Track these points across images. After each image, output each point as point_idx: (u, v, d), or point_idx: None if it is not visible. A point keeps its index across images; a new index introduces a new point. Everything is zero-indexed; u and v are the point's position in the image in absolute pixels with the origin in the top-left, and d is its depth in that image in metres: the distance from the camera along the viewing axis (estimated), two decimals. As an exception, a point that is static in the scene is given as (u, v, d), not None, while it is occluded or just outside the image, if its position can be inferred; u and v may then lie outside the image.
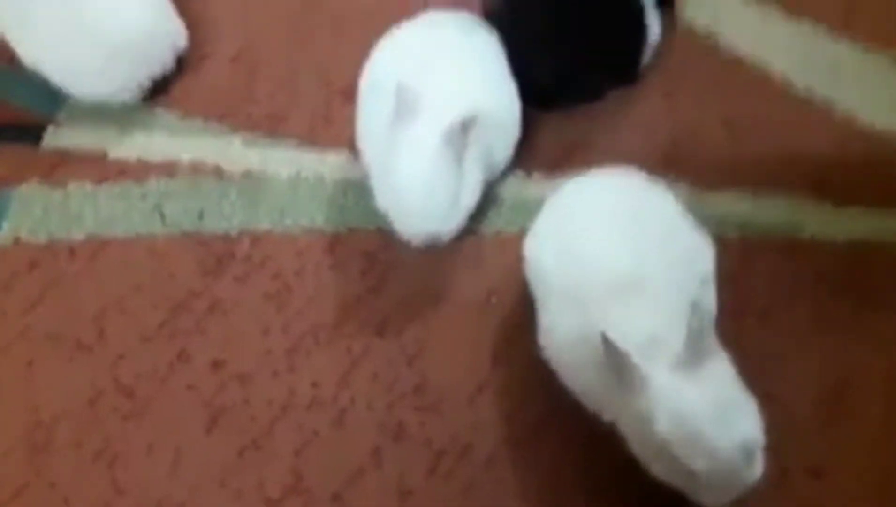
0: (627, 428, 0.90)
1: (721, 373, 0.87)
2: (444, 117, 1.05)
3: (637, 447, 0.89)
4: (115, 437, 1.07)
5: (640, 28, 1.22)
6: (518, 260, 1.09)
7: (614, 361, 0.85)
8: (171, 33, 1.33)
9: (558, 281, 0.97)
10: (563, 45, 1.19)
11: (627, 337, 0.85)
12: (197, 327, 1.14)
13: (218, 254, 1.19)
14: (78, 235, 1.22)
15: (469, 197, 1.12)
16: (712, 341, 0.88)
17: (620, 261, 0.93)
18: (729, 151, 1.20)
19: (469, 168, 1.10)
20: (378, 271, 1.16)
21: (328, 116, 1.30)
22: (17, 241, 1.23)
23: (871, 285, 1.10)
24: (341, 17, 1.40)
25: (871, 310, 1.08)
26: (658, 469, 0.88)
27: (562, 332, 0.96)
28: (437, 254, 1.15)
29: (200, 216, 1.22)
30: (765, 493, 0.88)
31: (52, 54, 1.26)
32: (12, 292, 1.19)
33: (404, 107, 1.06)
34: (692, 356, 0.84)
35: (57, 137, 1.32)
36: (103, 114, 1.33)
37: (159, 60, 1.31)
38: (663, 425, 0.83)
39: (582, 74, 1.22)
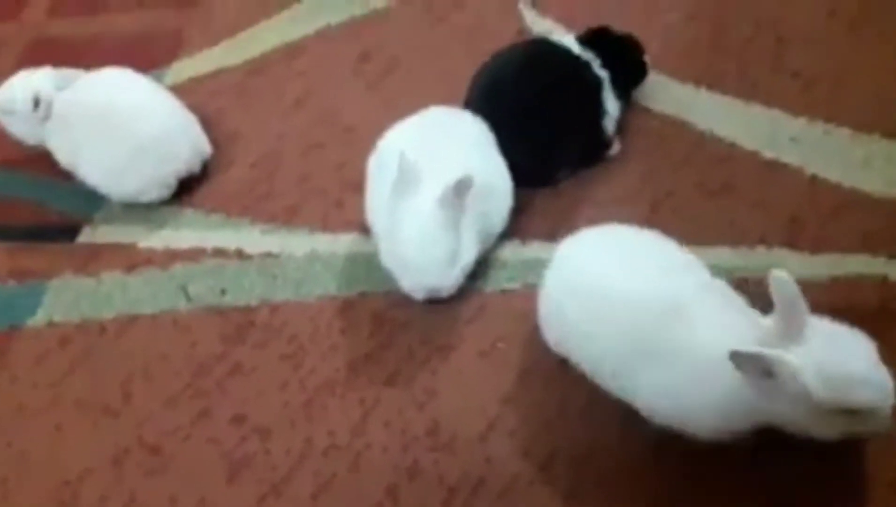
0: (788, 417, 0.95)
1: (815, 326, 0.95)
2: (440, 184, 1.18)
3: (800, 426, 0.95)
4: (140, 491, 1.11)
5: (597, 104, 1.38)
6: (521, 311, 1.17)
7: (753, 368, 0.91)
8: (193, 137, 1.49)
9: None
10: (533, 129, 1.35)
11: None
12: (218, 387, 1.20)
13: (238, 323, 1.28)
14: (108, 314, 1.31)
15: (466, 256, 1.22)
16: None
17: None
18: (703, 210, 1.30)
19: (466, 231, 1.22)
20: (387, 329, 1.23)
21: (340, 205, 1.43)
22: (50, 323, 1.32)
23: (856, 316, 1.17)
24: (351, 127, 1.56)
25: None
26: (826, 432, 0.94)
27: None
28: (444, 310, 1.24)
29: (223, 293, 1.32)
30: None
31: (86, 154, 1.42)
32: (43, 365, 1.27)
33: (405, 177, 1.19)
34: (790, 329, 0.92)
35: (91, 235, 1.45)
36: (134, 214, 1.47)
37: (184, 161, 1.46)
38: (820, 390, 0.89)
39: (555, 152, 1.37)
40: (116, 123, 1.41)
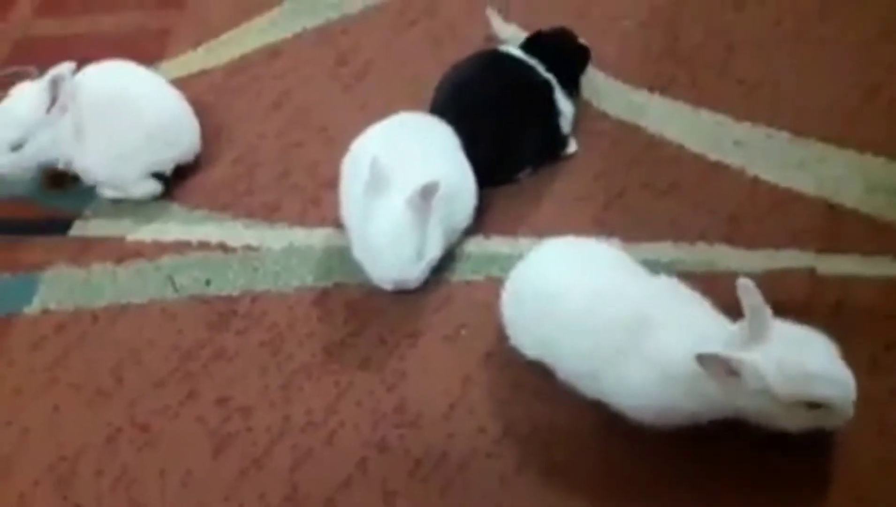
0: (753, 411, 1.05)
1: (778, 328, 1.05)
2: (409, 187, 1.28)
3: (765, 419, 1.05)
4: (132, 465, 1.21)
5: (550, 104, 1.50)
6: (483, 301, 1.28)
7: (717, 368, 1.01)
8: (192, 127, 1.60)
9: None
10: (492, 129, 1.46)
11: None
12: (203, 370, 1.30)
13: (221, 312, 1.38)
14: (100, 303, 1.41)
15: (432, 252, 1.33)
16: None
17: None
18: (651, 208, 1.41)
19: (432, 229, 1.33)
20: (359, 317, 1.34)
21: (316, 202, 1.53)
22: (45, 311, 1.42)
23: (786, 307, 1.29)
24: (325, 127, 1.66)
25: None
26: (791, 424, 1.04)
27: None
28: (413, 300, 1.34)
29: (207, 283, 1.42)
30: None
31: (91, 140, 1.51)
32: (40, 351, 1.37)
33: (376, 179, 1.29)
34: (756, 332, 1.02)
35: (82, 229, 1.54)
36: (123, 209, 1.56)
37: (182, 150, 1.57)
38: (781, 386, 0.99)
39: (513, 151, 1.48)
40: (126, 109, 1.50)
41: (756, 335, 1.03)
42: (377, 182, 1.29)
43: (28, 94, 1.51)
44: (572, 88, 1.57)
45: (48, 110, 1.49)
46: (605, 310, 1.12)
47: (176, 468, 1.20)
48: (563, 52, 1.57)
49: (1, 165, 1.50)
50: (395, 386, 1.25)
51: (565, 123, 1.52)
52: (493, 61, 1.55)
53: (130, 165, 1.52)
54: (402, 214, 1.28)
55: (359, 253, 1.34)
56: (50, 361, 1.35)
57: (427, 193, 1.28)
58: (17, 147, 1.49)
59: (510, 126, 1.47)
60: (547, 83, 1.51)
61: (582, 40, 1.60)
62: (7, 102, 1.53)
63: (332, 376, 1.28)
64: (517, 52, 1.55)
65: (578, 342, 1.13)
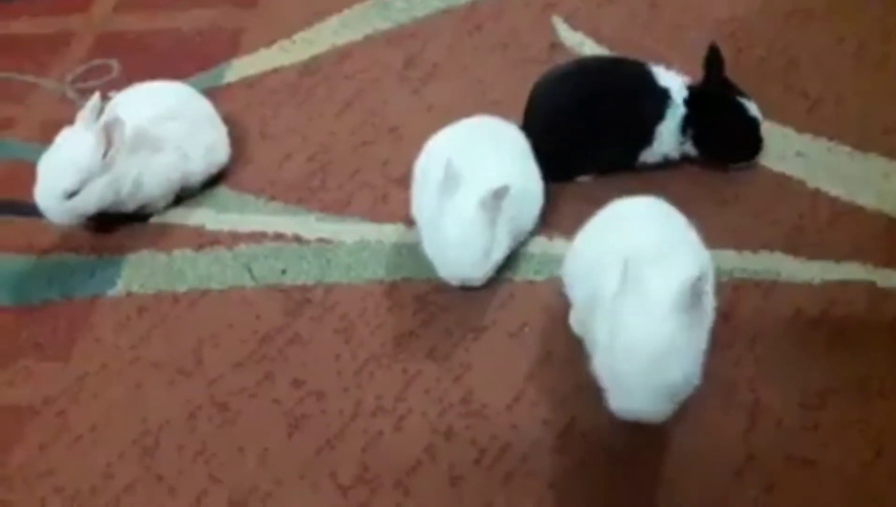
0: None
1: None
2: (481, 189, 1.34)
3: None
4: (212, 441, 1.28)
5: (646, 136, 1.51)
6: (546, 301, 1.33)
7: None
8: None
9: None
10: (569, 126, 1.52)
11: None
12: (280, 354, 1.37)
13: (297, 300, 1.44)
14: (181, 287, 1.48)
15: (498, 252, 1.39)
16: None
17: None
18: (712, 217, 1.44)
19: (500, 230, 1.38)
20: (428, 310, 1.40)
21: (386, 198, 1.59)
22: (129, 294, 1.49)
23: (845, 319, 1.32)
24: (396, 126, 1.72)
25: (842, 339, 1.30)
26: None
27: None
28: (478, 296, 1.40)
29: (283, 272, 1.48)
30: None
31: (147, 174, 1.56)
32: (124, 331, 1.44)
33: (450, 179, 1.35)
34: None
35: (162, 217, 1.61)
36: (201, 199, 1.63)
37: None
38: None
39: (583, 154, 1.54)
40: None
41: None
42: (451, 182, 1.35)
43: (82, 139, 1.47)
44: (700, 145, 1.52)
45: (104, 155, 1.46)
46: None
47: (253, 445, 1.27)
48: (725, 124, 1.50)
49: (58, 214, 1.47)
50: (460, 377, 1.31)
51: (652, 157, 1.53)
52: (615, 65, 1.59)
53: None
54: (474, 215, 1.34)
55: (429, 249, 1.39)
56: (134, 340, 1.42)
57: (498, 196, 1.33)
58: (72, 195, 1.45)
59: (588, 130, 1.51)
60: (659, 112, 1.50)
61: (760, 140, 1.51)
62: (59, 147, 1.48)
63: (400, 364, 1.33)
64: (662, 74, 1.52)
65: None
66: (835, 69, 1.68)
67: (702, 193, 1.49)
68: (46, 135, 1.63)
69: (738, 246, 1.41)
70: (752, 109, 1.50)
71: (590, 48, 1.79)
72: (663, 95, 1.50)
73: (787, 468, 1.16)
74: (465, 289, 1.40)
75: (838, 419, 1.20)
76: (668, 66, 1.55)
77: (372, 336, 1.37)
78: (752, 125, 1.50)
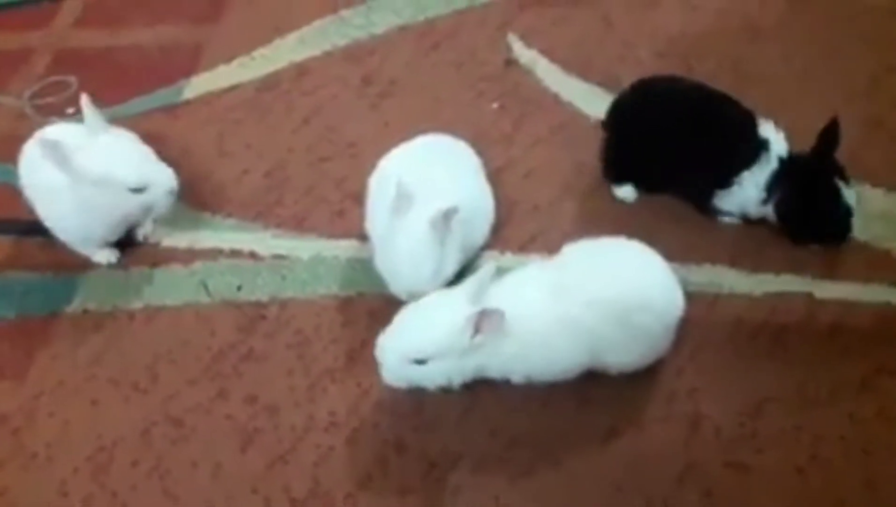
0: None
1: None
2: (431, 209, 1.37)
3: None
4: (166, 457, 1.30)
5: (727, 177, 1.44)
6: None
7: None
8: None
9: None
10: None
11: None
12: (234, 371, 1.39)
13: (251, 316, 1.46)
14: (137, 304, 1.50)
15: (448, 268, 1.42)
16: None
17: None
18: (666, 234, 1.48)
19: (450, 248, 1.41)
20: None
21: (342, 214, 1.61)
22: (85, 311, 1.51)
23: (784, 328, 1.36)
24: (353, 142, 1.75)
25: (780, 348, 1.34)
26: None
27: None
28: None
29: (238, 288, 1.50)
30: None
31: None
32: (81, 348, 1.45)
33: (402, 198, 1.38)
34: None
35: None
36: (157, 218, 1.64)
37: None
38: None
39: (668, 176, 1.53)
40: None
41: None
42: (402, 202, 1.37)
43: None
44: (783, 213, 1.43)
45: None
46: None
47: (206, 460, 1.29)
48: (818, 206, 1.40)
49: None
50: (413, 390, 1.33)
51: (726, 204, 1.47)
52: (729, 105, 1.49)
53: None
54: (424, 234, 1.37)
55: (381, 265, 1.42)
56: (90, 357, 1.44)
57: (448, 216, 1.37)
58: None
59: (674, 145, 1.47)
60: (747, 160, 1.42)
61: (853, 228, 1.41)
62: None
63: (354, 378, 1.36)
64: (765, 125, 1.45)
65: None
66: (782, 86, 1.73)
67: (652, 211, 1.53)
68: (2, 152, 1.64)
69: (684, 260, 1.45)
70: (850, 196, 1.39)
71: (543, 66, 1.83)
72: (760, 144, 1.42)
73: (726, 475, 1.21)
74: (417, 303, 1.43)
75: (774, 427, 1.25)
76: (777, 127, 1.47)
77: (325, 351, 1.40)
78: (842, 212, 1.39)
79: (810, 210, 1.41)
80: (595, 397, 1.29)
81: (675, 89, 1.53)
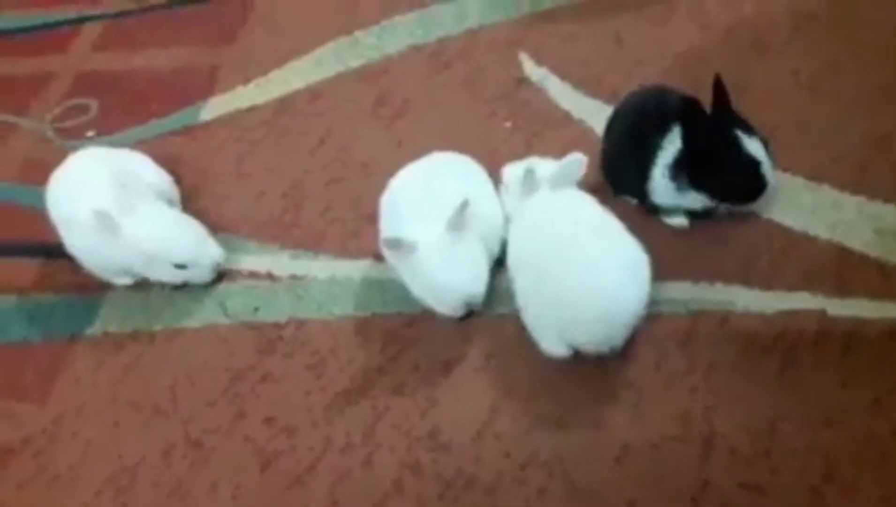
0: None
1: None
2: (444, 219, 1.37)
3: None
4: (186, 478, 1.32)
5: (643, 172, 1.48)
6: (511, 334, 1.38)
7: None
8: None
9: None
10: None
11: None
12: (252, 392, 1.41)
13: (269, 337, 1.49)
14: (157, 326, 1.53)
15: (484, 263, 1.42)
16: None
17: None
18: (674, 249, 1.50)
19: (475, 243, 1.42)
20: (396, 345, 1.44)
21: (357, 234, 1.64)
22: (106, 333, 1.54)
23: (796, 346, 1.37)
24: (367, 162, 1.77)
25: (792, 367, 1.35)
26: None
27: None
28: (446, 331, 1.44)
29: (256, 310, 1.53)
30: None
31: None
32: (102, 370, 1.49)
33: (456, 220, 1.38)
34: None
35: (140, 256, 1.66)
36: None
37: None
38: None
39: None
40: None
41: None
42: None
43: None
44: (692, 182, 1.43)
45: None
46: None
47: (226, 482, 1.31)
48: (716, 153, 1.40)
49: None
50: (427, 412, 1.35)
51: (656, 195, 1.48)
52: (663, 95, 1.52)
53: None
54: (447, 239, 1.37)
55: (420, 292, 1.41)
56: (111, 380, 1.47)
57: (461, 210, 1.37)
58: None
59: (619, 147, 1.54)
60: (656, 143, 1.44)
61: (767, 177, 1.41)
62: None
63: (370, 400, 1.38)
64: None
65: None
66: (788, 101, 1.73)
67: (660, 227, 1.54)
68: (27, 175, 1.67)
69: (695, 277, 1.46)
70: (753, 146, 1.40)
71: (554, 84, 1.84)
72: (665, 130, 1.44)
73: (740, 495, 1.21)
74: (435, 323, 1.45)
75: (788, 446, 1.25)
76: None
77: (342, 372, 1.42)
78: (746, 161, 1.40)
79: (712, 166, 1.40)
80: (609, 416, 1.31)
81: (635, 94, 1.57)
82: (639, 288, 1.33)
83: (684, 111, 1.41)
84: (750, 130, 1.43)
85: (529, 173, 1.42)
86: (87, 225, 1.47)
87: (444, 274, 1.37)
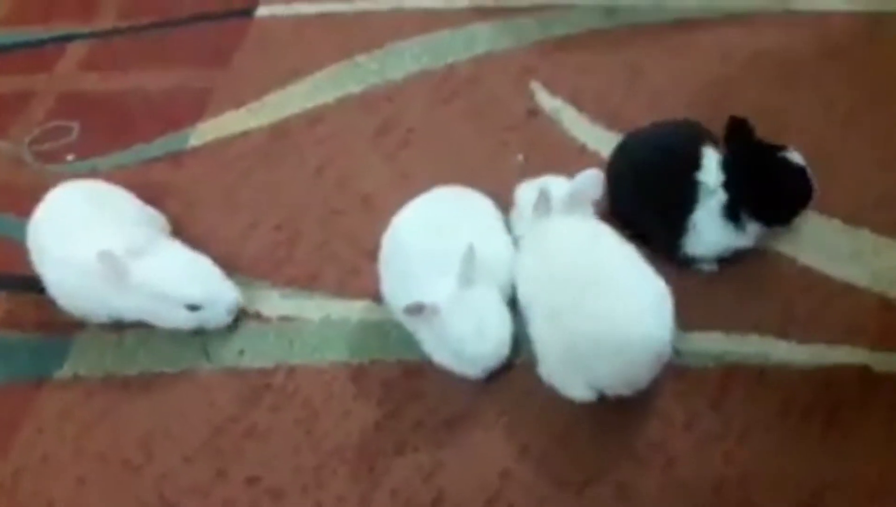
0: None
1: None
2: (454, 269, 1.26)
3: None
4: (158, 545, 1.17)
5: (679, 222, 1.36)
6: (522, 388, 1.25)
7: None
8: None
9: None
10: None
11: None
12: (235, 447, 1.27)
13: (255, 385, 1.35)
14: (132, 370, 1.39)
15: (508, 315, 1.30)
16: None
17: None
18: (705, 297, 1.37)
19: (495, 295, 1.30)
20: (397, 397, 1.30)
21: (355, 272, 1.50)
22: (75, 376, 1.39)
23: (839, 404, 1.24)
24: (368, 195, 1.64)
25: (836, 428, 1.22)
26: None
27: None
28: (452, 383, 1.31)
29: (241, 353, 1.39)
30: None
31: None
32: (69, 418, 1.34)
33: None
34: None
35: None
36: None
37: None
38: None
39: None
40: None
41: None
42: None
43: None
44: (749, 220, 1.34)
45: None
46: None
47: (203, 551, 1.16)
48: (763, 179, 1.33)
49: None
50: (431, 475, 1.21)
51: (697, 246, 1.37)
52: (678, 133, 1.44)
53: None
54: (458, 293, 1.25)
55: (443, 358, 1.30)
56: (79, 429, 1.32)
57: (467, 259, 1.26)
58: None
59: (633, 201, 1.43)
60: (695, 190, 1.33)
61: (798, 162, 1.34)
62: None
63: (366, 460, 1.24)
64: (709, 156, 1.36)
65: None
66: (824, 137, 1.62)
67: (686, 271, 1.42)
68: (2, 202, 1.54)
69: (727, 328, 1.33)
70: (793, 156, 1.35)
71: (569, 116, 1.73)
72: (695, 184, 1.34)
73: (784, 578, 1.08)
74: (436, 375, 1.31)
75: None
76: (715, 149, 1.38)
77: (336, 427, 1.28)
78: (796, 170, 1.35)
79: (770, 185, 1.33)
80: (636, 483, 1.17)
81: (636, 138, 1.48)
82: (665, 324, 1.21)
83: (733, 131, 1.35)
84: (780, 146, 1.37)
85: (543, 194, 1.32)
86: (85, 268, 1.34)
87: (474, 345, 1.25)
